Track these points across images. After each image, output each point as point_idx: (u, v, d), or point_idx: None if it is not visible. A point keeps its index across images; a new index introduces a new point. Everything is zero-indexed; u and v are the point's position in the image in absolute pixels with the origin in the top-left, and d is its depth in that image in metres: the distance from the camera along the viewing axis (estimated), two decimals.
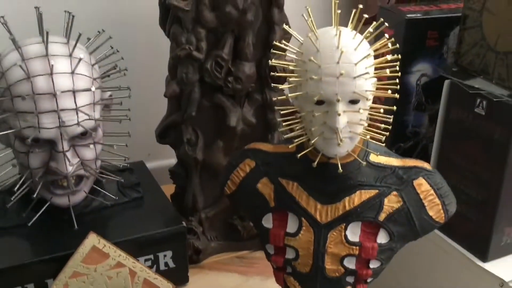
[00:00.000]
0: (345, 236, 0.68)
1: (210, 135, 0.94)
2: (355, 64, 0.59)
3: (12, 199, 0.81)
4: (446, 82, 0.99)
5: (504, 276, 0.94)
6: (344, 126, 0.61)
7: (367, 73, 0.60)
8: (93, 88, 0.75)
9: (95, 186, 0.86)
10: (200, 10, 0.84)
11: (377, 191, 0.68)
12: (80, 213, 0.89)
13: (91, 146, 0.79)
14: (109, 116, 0.85)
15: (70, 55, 0.76)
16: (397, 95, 0.64)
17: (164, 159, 1.14)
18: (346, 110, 0.61)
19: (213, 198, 0.98)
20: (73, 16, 0.80)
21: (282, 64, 0.63)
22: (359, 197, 0.68)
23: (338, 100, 0.60)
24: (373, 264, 0.68)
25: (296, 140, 0.64)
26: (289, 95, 0.62)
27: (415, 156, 1.18)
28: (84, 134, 0.79)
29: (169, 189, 1.04)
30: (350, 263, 0.68)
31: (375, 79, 0.64)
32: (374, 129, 0.65)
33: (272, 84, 0.63)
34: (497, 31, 0.94)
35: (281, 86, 0.63)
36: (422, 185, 0.68)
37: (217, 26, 0.85)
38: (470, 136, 0.96)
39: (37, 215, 0.82)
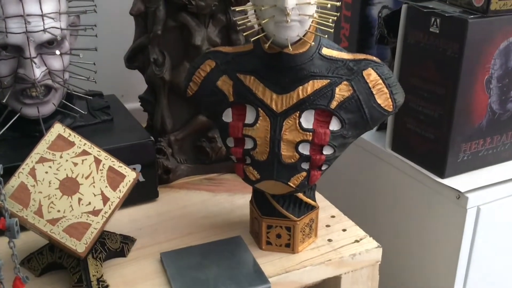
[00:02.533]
0: (299, 123, 0.72)
1: (176, 56, 0.97)
2: None
3: None
4: (404, 6, 1.03)
5: (461, 188, 0.99)
6: (293, 8, 0.65)
7: None
8: None
9: (63, 101, 0.89)
10: None
11: (328, 80, 0.72)
12: None
13: (58, 54, 0.82)
14: (77, 27, 0.88)
15: None
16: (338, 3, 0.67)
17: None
18: None
19: (181, 121, 1.01)
20: None
21: None
22: (311, 86, 0.72)
23: None
24: (326, 151, 0.72)
25: (250, 32, 0.68)
26: None
27: None
28: (51, 44, 0.81)
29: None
30: (305, 149, 0.72)
31: None
32: (324, 15, 0.68)
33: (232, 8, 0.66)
34: None
35: (238, 9, 0.67)
36: (371, 75, 0.72)
37: None
38: (426, 56, 1.01)
39: (5, 127, 0.84)
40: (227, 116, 0.75)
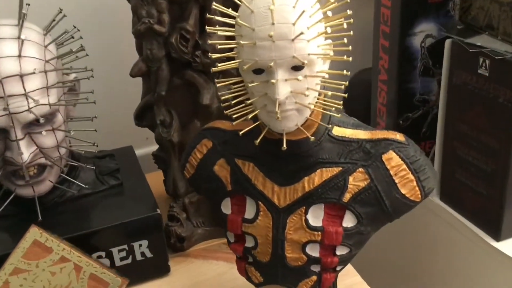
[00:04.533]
0: (306, 221, 0.60)
1: (185, 115, 0.88)
2: (293, 23, 0.51)
3: None
4: (447, 42, 0.89)
5: None
6: (288, 97, 0.54)
7: (301, 33, 0.51)
8: (36, 71, 0.71)
9: (63, 175, 0.82)
10: None
11: (340, 168, 0.60)
12: (55, 203, 0.85)
13: (46, 133, 0.74)
14: (71, 100, 0.81)
15: (18, 38, 0.72)
16: (350, 59, 0.55)
17: None
18: (288, 78, 0.53)
19: None
20: None
21: (216, 30, 0.55)
22: (319, 176, 0.60)
23: (274, 67, 0.52)
24: (340, 251, 0.61)
25: (237, 112, 0.57)
26: (221, 65, 0.55)
27: (427, 127, 1.08)
28: (39, 121, 0.74)
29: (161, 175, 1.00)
30: (313, 251, 0.61)
31: (327, 40, 0.56)
32: (328, 100, 0.57)
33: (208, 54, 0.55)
34: None
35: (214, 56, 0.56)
36: (392, 160, 0.59)
37: None
38: (475, 102, 0.86)
39: (2, 207, 0.79)
40: (226, 207, 0.65)
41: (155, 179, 0.99)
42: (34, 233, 0.61)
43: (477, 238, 0.90)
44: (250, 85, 0.54)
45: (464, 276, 0.97)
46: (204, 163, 0.66)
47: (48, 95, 0.74)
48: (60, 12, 0.80)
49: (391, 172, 0.59)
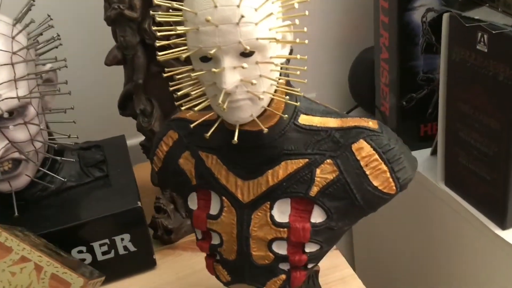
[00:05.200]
0: (271, 217, 0.56)
1: (166, 103, 0.84)
2: (238, 5, 0.47)
3: None
4: (445, 16, 0.82)
5: None
6: (238, 86, 0.49)
7: (242, 16, 0.46)
8: None
9: (43, 169, 0.80)
10: None
11: (306, 160, 0.55)
12: (38, 196, 0.84)
13: (17, 126, 0.72)
14: (46, 92, 0.78)
15: None
16: (306, 41, 0.50)
17: None
18: (237, 65, 0.49)
19: None
20: None
21: (162, 15, 0.51)
22: (284, 169, 0.56)
23: (220, 54, 0.48)
24: (309, 248, 0.57)
25: (187, 103, 0.53)
26: (163, 54, 0.51)
27: (433, 107, 1.01)
28: (11, 114, 0.72)
29: None
30: (280, 248, 0.57)
31: (279, 21, 0.51)
32: (284, 87, 0.52)
33: (156, 44, 0.51)
34: None
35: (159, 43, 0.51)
36: (362, 149, 0.54)
37: None
38: (474, 80, 0.79)
39: None
40: (193, 202, 0.62)
41: (147, 170, 0.97)
42: None
43: (482, 226, 0.84)
44: (195, 74, 0.50)
45: (468, 264, 0.91)
46: (170, 156, 0.63)
47: (16, 88, 0.72)
48: (31, 1, 0.77)
49: (362, 163, 0.54)
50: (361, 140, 0.54)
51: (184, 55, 0.49)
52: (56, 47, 0.80)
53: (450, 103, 0.86)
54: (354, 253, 1.34)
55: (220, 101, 0.48)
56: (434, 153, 1.00)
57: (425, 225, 1.01)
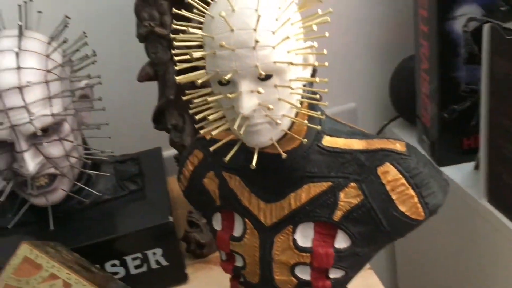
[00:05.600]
0: (294, 241, 0.55)
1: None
2: (254, 29, 0.46)
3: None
4: (486, 27, 0.78)
5: None
6: (256, 110, 0.48)
7: (257, 41, 0.45)
8: (30, 84, 0.70)
9: (78, 184, 0.82)
10: None
11: (330, 183, 0.54)
12: (74, 209, 0.86)
13: (52, 143, 0.74)
14: (82, 108, 0.80)
15: (17, 49, 0.71)
16: (326, 63, 0.48)
17: None
18: (254, 89, 0.48)
19: None
20: (25, 2, 0.75)
21: (182, 39, 0.51)
22: (307, 192, 0.54)
23: (237, 78, 0.47)
24: (334, 274, 0.55)
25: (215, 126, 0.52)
26: (182, 77, 0.51)
27: (476, 120, 0.97)
28: (45, 131, 0.74)
29: None
30: (303, 273, 0.55)
31: (299, 42, 0.49)
32: (305, 110, 0.51)
33: (176, 67, 0.51)
34: None
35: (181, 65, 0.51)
36: (388, 173, 0.52)
37: None
38: None
39: (17, 217, 0.80)
40: (217, 222, 0.61)
41: None
42: (25, 249, 0.61)
43: None
44: (211, 98, 0.49)
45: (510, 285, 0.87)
46: (196, 175, 0.63)
47: (50, 105, 0.74)
48: (67, 18, 0.79)
49: (388, 187, 0.52)
50: (387, 163, 0.52)
51: (200, 80, 0.48)
52: (93, 63, 0.82)
53: (493, 118, 0.82)
54: (397, 271, 1.31)
55: (235, 127, 0.47)
56: (477, 167, 0.95)
57: (467, 242, 0.97)
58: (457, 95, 0.96)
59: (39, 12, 0.80)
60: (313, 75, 0.54)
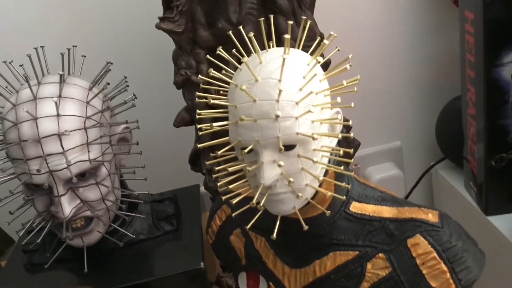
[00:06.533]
0: None
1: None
2: (277, 100, 0.45)
3: (37, 241, 0.81)
4: None
5: None
6: (278, 179, 0.47)
7: (277, 116, 0.44)
8: (66, 133, 0.71)
9: (114, 225, 0.83)
10: (195, 29, 0.74)
11: (356, 252, 0.52)
12: (110, 249, 0.87)
13: (89, 187, 0.75)
14: (119, 152, 0.81)
15: (59, 96, 0.73)
16: (351, 135, 0.47)
17: None
18: (277, 159, 0.47)
19: None
20: (68, 50, 0.77)
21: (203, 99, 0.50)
22: (332, 260, 0.53)
23: (258, 148, 0.46)
24: None
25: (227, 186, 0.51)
26: (202, 145, 0.50)
27: None
28: (83, 176, 0.75)
29: None
30: None
31: (324, 112, 0.48)
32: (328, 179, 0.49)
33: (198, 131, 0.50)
34: None
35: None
36: (419, 246, 0.50)
37: (216, 44, 0.74)
38: None
39: (54, 257, 0.82)
40: (242, 281, 0.60)
41: None
42: None
43: None
44: (232, 168, 0.49)
45: None
46: (223, 231, 0.62)
47: (88, 151, 0.75)
48: (109, 64, 0.81)
49: (418, 261, 0.50)
50: (418, 235, 0.50)
51: (220, 152, 0.48)
52: (134, 106, 0.83)
53: None
54: None
55: (256, 197, 0.46)
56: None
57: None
58: (505, 142, 0.91)
59: (83, 56, 0.82)
60: (347, 131, 0.52)
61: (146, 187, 0.88)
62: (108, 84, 0.80)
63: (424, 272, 0.49)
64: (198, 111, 0.51)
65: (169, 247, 0.87)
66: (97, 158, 0.76)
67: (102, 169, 0.78)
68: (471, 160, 0.99)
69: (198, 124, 0.51)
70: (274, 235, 0.48)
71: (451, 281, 0.49)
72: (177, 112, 0.83)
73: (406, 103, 1.17)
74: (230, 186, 0.50)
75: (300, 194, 0.47)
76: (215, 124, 0.48)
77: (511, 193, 0.94)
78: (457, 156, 1.09)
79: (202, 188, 1.01)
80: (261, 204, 0.47)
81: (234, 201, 0.50)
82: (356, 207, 0.53)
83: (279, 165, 0.45)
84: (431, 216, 0.51)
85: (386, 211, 0.52)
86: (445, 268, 0.49)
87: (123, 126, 0.83)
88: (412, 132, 1.19)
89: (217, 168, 0.52)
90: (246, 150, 0.45)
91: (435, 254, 0.49)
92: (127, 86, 0.82)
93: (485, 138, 0.92)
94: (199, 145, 0.51)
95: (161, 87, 0.99)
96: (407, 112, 1.18)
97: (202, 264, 0.80)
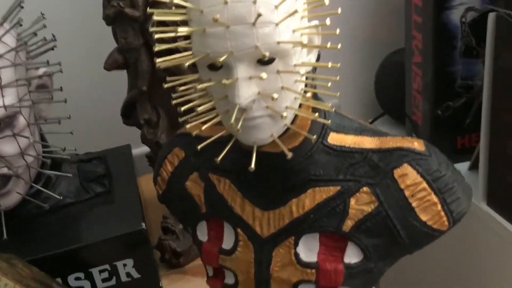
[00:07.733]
0: (296, 255, 0.47)
1: (175, 113, 0.74)
2: (253, 1, 0.37)
3: None
4: (491, 16, 0.72)
5: None
6: (254, 100, 0.40)
7: (259, 14, 0.37)
8: None
9: (36, 186, 0.72)
10: None
11: (338, 188, 0.46)
12: (32, 214, 0.76)
13: (5, 139, 0.64)
14: (40, 100, 0.70)
15: None
16: (339, 46, 0.40)
17: None
18: (253, 75, 0.39)
19: None
20: None
21: (161, 13, 0.42)
22: (311, 198, 0.46)
23: (232, 62, 0.39)
24: None
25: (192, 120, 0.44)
26: (162, 60, 0.42)
27: (471, 118, 0.91)
28: None
29: None
30: None
31: (303, 21, 0.41)
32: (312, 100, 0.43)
33: (155, 48, 0.42)
34: None
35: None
36: (407, 176, 0.45)
37: None
38: None
39: None
40: (202, 233, 0.53)
41: None
42: None
43: None
44: (201, 86, 0.40)
45: None
46: (176, 177, 0.54)
47: (2, 96, 0.63)
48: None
49: (406, 193, 0.45)
50: (405, 165, 0.45)
51: (187, 63, 0.39)
52: (52, 49, 0.72)
53: (496, 115, 0.76)
54: (393, 276, 1.24)
55: (232, 121, 0.39)
56: (473, 167, 0.89)
57: (465, 248, 0.91)
58: (452, 91, 0.89)
59: None
60: (317, 60, 0.46)
61: (70, 146, 0.77)
62: (22, 21, 0.68)
63: (414, 205, 0.44)
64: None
65: (102, 211, 0.78)
66: (13, 104, 0.64)
67: (20, 118, 0.67)
68: (415, 112, 0.97)
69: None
70: (252, 165, 0.41)
71: (442, 213, 0.45)
72: (107, 54, 0.73)
73: (342, 58, 1.13)
74: (203, 127, 0.42)
75: (284, 114, 0.40)
76: (180, 29, 0.39)
77: (456, 143, 0.93)
78: (397, 112, 1.07)
79: (134, 150, 0.92)
80: (238, 128, 0.39)
81: (203, 127, 0.42)
82: (334, 138, 0.46)
83: (260, 78, 0.38)
84: (417, 145, 0.46)
85: (368, 142, 0.47)
86: (436, 199, 0.45)
87: (42, 69, 0.72)
88: (350, 89, 1.16)
89: (182, 108, 0.43)
90: (221, 59, 0.37)
91: (425, 185, 0.44)
92: (44, 25, 0.71)
93: (432, 87, 0.89)
94: (157, 62, 0.41)
95: (87, 25, 0.88)
96: (344, 68, 1.14)
97: (143, 224, 0.72)
